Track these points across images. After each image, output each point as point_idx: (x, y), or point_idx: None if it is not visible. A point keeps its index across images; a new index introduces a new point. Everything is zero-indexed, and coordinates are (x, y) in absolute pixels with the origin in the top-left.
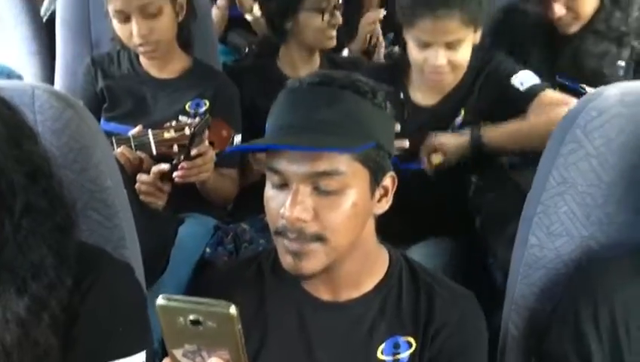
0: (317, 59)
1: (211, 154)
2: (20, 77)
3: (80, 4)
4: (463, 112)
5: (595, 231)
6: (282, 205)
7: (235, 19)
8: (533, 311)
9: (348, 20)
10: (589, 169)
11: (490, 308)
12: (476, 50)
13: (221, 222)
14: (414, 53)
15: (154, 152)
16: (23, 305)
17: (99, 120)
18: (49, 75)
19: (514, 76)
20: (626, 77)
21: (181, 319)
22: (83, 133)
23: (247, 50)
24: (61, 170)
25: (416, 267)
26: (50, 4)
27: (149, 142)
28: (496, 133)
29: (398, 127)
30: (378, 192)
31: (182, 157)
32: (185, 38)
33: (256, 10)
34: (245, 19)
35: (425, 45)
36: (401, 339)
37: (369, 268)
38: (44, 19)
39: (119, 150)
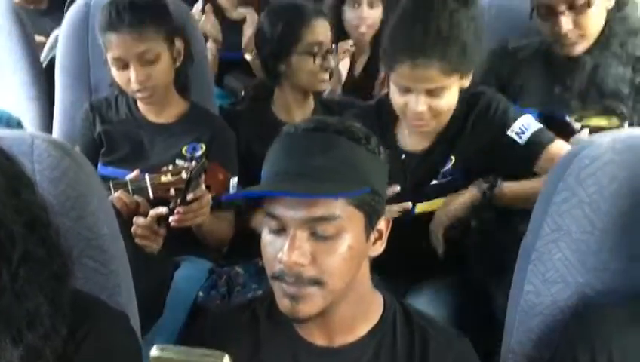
0: (311, 102)
1: (207, 198)
2: (19, 122)
3: (80, 51)
4: (453, 159)
5: (591, 278)
6: (280, 250)
7: (232, 62)
8: (530, 359)
9: None
10: (582, 216)
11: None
12: (463, 91)
13: (216, 264)
14: (396, 97)
15: (151, 196)
16: (17, 354)
17: (96, 165)
18: (47, 121)
19: (510, 129)
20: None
21: None
22: (80, 181)
23: (242, 93)
24: (58, 217)
25: (410, 310)
26: (49, 51)
27: (146, 186)
28: (510, 192)
29: (397, 188)
30: (373, 235)
31: (178, 201)
32: (182, 82)
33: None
34: (242, 62)
35: (405, 90)
36: None
37: (364, 312)
38: (43, 65)
39: (116, 194)
